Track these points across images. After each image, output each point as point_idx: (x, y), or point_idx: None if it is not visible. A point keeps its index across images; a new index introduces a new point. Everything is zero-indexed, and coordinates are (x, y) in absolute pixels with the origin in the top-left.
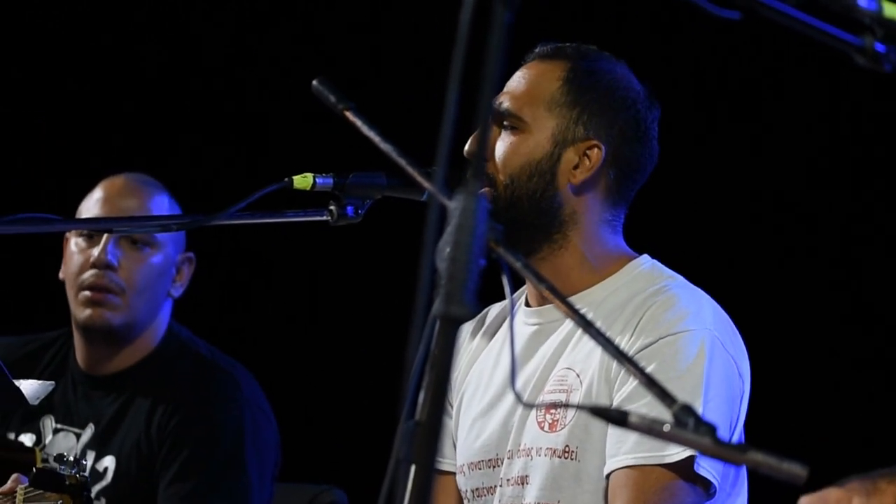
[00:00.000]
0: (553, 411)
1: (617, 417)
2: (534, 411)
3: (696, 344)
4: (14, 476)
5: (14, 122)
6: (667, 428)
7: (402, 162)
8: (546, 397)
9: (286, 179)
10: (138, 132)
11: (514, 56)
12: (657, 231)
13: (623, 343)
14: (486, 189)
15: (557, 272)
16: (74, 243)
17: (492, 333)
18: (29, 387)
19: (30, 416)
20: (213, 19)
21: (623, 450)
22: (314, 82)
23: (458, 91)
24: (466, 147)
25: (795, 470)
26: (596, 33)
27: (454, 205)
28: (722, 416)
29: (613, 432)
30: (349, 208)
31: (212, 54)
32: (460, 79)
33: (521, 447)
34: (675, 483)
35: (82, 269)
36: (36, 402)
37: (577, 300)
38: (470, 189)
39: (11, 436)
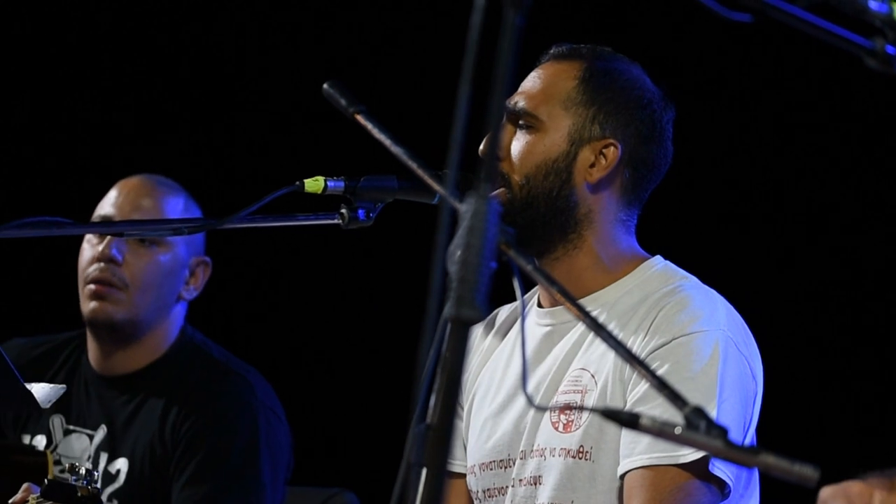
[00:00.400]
0: (567, 412)
1: (628, 420)
2: (548, 412)
3: (710, 345)
4: (25, 486)
5: (33, 123)
6: (678, 430)
7: (413, 165)
8: (560, 398)
9: (297, 183)
10: (152, 135)
11: (525, 58)
12: (667, 232)
13: (637, 343)
14: (501, 190)
15: (570, 273)
16: (87, 240)
17: (503, 334)
18: (40, 390)
19: (39, 416)
20: (226, 22)
21: (637, 450)
22: (325, 85)
23: (470, 94)
24: (481, 147)
25: (807, 472)
26: (608, 35)
27: (465, 208)
28: (735, 417)
29: (628, 433)
30: (360, 211)
31: (224, 58)
32: (471, 81)
33: (535, 447)
34: (691, 483)
35: (89, 264)
36: (47, 406)
37: (590, 301)
38: (481, 192)
39: (26, 438)
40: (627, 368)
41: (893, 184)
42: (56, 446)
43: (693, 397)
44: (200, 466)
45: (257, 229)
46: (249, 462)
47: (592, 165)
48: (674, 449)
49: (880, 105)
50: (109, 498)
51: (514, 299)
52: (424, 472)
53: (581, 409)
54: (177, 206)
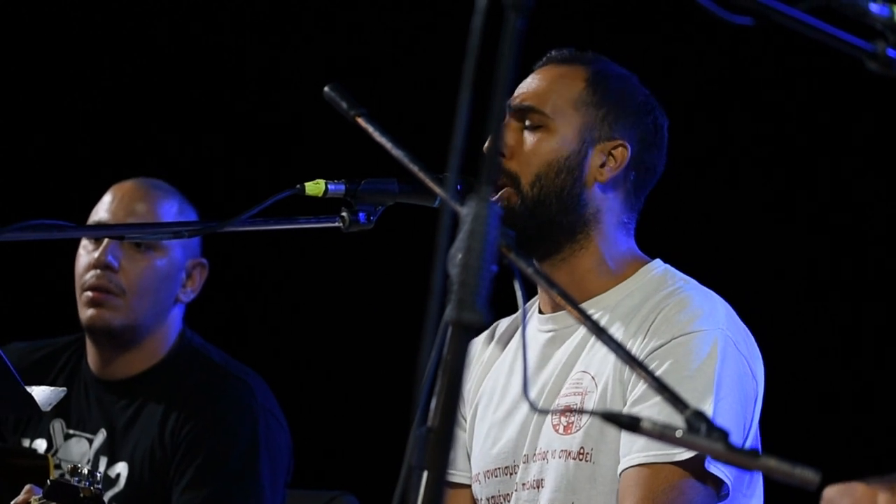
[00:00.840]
0: (568, 414)
1: (628, 423)
2: (549, 415)
3: (708, 343)
4: (27, 487)
5: (30, 127)
6: (679, 433)
7: (413, 168)
8: (561, 400)
9: (298, 186)
10: (152, 138)
11: (524, 60)
12: (664, 235)
13: (637, 344)
14: (509, 189)
15: (574, 275)
16: (82, 246)
17: (504, 343)
18: (41, 393)
19: (39, 420)
20: (227, 24)
21: (634, 448)
22: (326, 88)
23: (471, 97)
24: (486, 146)
25: (808, 476)
26: (607, 38)
27: (466, 211)
28: (734, 417)
29: (627, 432)
30: (361, 215)
31: (225, 61)
32: (472, 84)
33: (537, 451)
34: (686, 481)
35: (85, 271)
36: (48, 409)
37: (592, 304)
38: (482, 195)
39: (26, 442)
40: (627, 370)
41: (893, 184)
42: (56, 450)
43: (690, 395)
44: (200, 470)
45: (258, 232)
46: (249, 465)
47: (603, 165)
48: (670, 447)
49: (882, 108)
50: (109, 502)
51: (515, 309)
52: (425, 475)
53: (582, 412)
54: (171, 209)
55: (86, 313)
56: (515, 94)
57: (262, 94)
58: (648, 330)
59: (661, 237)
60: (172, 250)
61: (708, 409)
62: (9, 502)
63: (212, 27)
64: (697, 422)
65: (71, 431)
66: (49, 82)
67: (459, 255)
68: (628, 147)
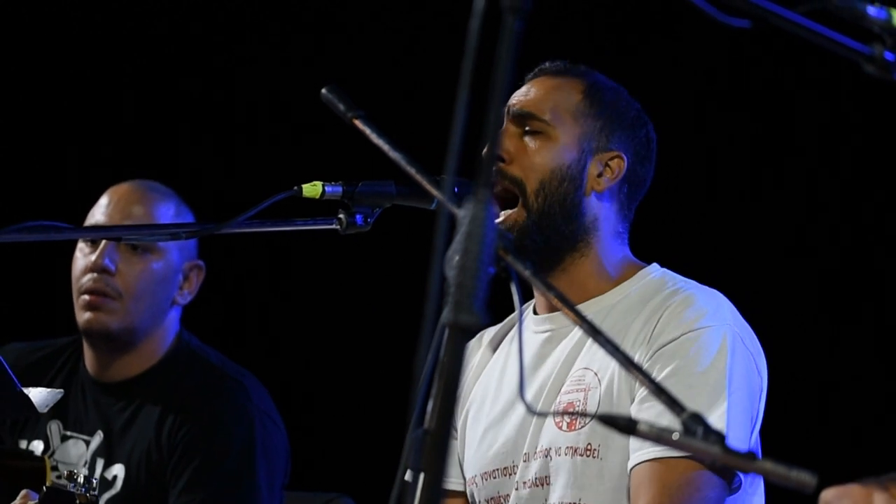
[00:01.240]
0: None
1: (625, 426)
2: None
3: (717, 340)
4: (23, 492)
5: (26, 129)
6: (676, 436)
7: (411, 170)
8: (563, 397)
9: (295, 188)
10: (149, 140)
11: (522, 63)
12: (656, 240)
13: (642, 343)
14: (513, 212)
15: (574, 280)
16: (79, 249)
17: (494, 347)
18: (38, 394)
19: (36, 421)
20: (224, 26)
21: (647, 443)
22: (323, 90)
23: (468, 99)
24: (484, 151)
25: (804, 478)
26: (605, 39)
27: (463, 213)
28: (744, 411)
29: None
30: (358, 217)
31: (222, 63)
32: (470, 86)
33: (539, 449)
34: (700, 476)
35: (82, 274)
36: (45, 410)
37: (590, 305)
38: (479, 197)
39: (23, 443)
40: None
41: (893, 186)
42: (53, 452)
43: (703, 391)
44: (197, 472)
45: (255, 234)
46: (246, 467)
47: (600, 175)
48: None
49: (878, 111)
50: None
51: (509, 312)
52: (422, 477)
53: (581, 414)
54: (168, 211)
55: (83, 317)
56: (511, 100)
57: (260, 95)
58: (655, 327)
59: (655, 241)
60: (169, 253)
61: (722, 404)
62: None
63: (210, 28)
64: (694, 424)
65: (68, 433)
66: (48, 83)
67: (456, 258)
68: (625, 158)
